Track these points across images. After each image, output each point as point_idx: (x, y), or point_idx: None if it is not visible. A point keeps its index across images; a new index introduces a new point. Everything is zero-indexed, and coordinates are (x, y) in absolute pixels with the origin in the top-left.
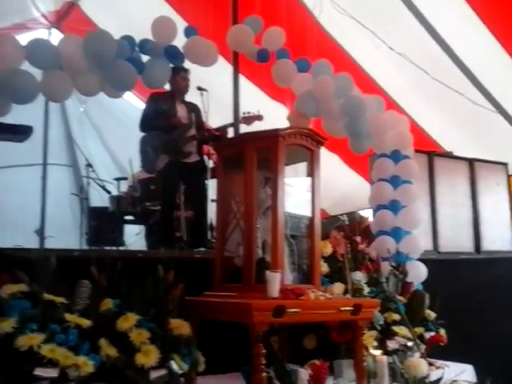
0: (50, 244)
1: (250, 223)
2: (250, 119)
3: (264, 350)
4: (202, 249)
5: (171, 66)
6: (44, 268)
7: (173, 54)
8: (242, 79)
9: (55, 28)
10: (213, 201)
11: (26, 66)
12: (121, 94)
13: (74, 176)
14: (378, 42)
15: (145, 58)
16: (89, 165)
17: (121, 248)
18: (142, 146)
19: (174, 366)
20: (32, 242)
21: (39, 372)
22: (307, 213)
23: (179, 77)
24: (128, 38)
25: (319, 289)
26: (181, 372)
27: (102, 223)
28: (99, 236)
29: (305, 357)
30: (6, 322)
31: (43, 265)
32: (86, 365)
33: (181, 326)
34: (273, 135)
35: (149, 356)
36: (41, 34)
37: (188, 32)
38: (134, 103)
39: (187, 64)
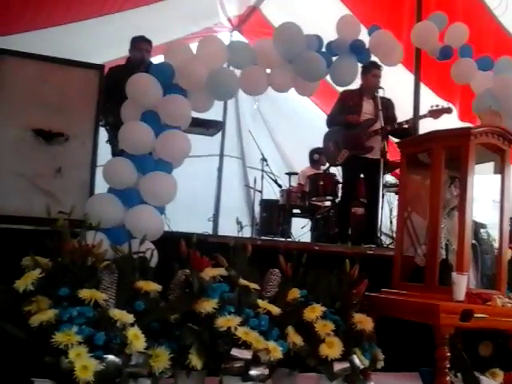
0: (221, 231)
1: (435, 223)
2: (438, 112)
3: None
4: (371, 246)
5: (362, 64)
6: (240, 254)
7: (359, 49)
8: (410, 77)
9: (236, 31)
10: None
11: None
12: (310, 90)
13: (242, 168)
14: None
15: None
16: (264, 159)
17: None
18: (325, 141)
19: (356, 360)
20: (204, 228)
21: (235, 352)
22: (494, 215)
23: (371, 74)
24: (316, 36)
25: (504, 295)
26: (362, 367)
27: (273, 215)
28: (269, 227)
29: (478, 364)
30: (209, 302)
31: (239, 251)
32: (276, 350)
33: (364, 321)
34: (464, 133)
35: (333, 348)
36: (223, 37)
37: (372, 30)
38: (303, 102)
39: None
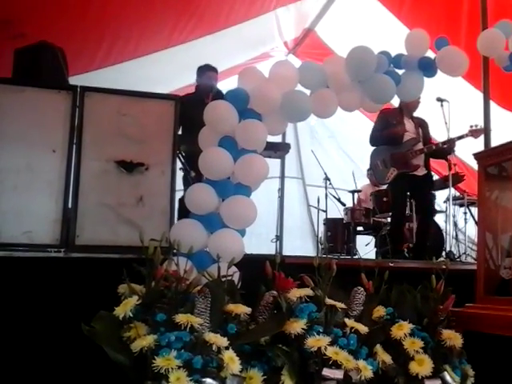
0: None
1: None
2: (477, 132)
3: None
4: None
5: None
6: (325, 274)
7: (427, 66)
8: (469, 87)
9: (291, 54)
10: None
11: None
12: (378, 107)
13: (302, 188)
14: None
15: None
16: (327, 178)
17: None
18: (373, 160)
19: (448, 377)
20: (266, 249)
21: (326, 372)
22: None
23: None
24: (385, 53)
25: None
26: None
27: (337, 233)
28: (334, 246)
29: None
30: (298, 323)
31: (324, 271)
32: (366, 369)
33: (453, 337)
34: None
35: (423, 365)
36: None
37: (439, 43)
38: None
39: None
